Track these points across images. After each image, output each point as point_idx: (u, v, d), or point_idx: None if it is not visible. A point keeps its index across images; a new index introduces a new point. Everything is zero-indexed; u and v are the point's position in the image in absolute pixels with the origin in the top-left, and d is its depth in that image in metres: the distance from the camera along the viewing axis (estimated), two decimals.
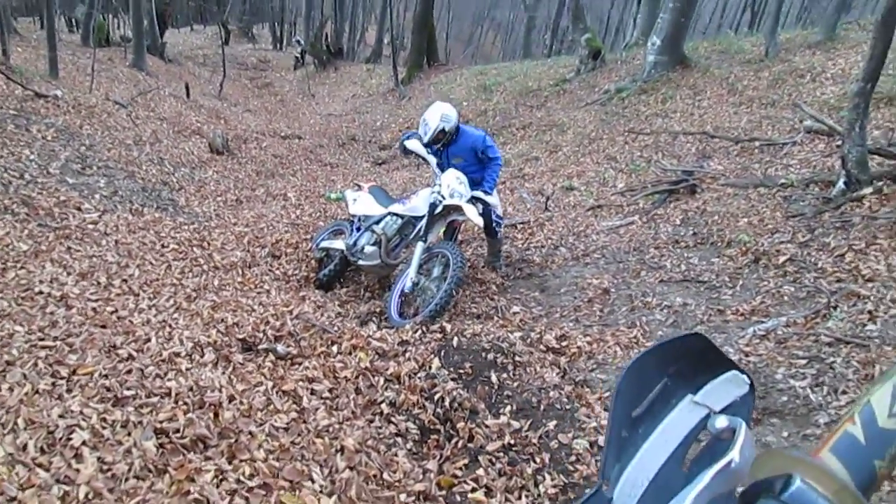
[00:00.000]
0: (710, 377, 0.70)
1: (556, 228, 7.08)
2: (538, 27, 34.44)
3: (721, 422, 0.65)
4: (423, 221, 5.48)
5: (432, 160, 5.84)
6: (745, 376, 0.73)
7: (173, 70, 19.67)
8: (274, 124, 16.68)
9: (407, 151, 5.94)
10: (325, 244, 6.25)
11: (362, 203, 6.11)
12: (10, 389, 2.88)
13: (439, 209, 5.42)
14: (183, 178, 8.75)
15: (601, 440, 3.11)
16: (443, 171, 5.73)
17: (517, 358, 3.98)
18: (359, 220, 6.15)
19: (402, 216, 5.76)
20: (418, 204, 5.67)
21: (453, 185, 5.47)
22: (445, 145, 5.93)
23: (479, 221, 5.45)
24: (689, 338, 0.70)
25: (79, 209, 6.03)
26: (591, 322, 4.77)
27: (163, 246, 5.87)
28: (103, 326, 3.88)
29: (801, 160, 7.21)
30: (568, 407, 3.47)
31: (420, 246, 5.35)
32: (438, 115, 5.84)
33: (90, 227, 5.74)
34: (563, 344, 4.33)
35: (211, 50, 27.90)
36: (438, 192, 5.46)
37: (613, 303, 5.01)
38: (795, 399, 3.45)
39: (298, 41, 29.75)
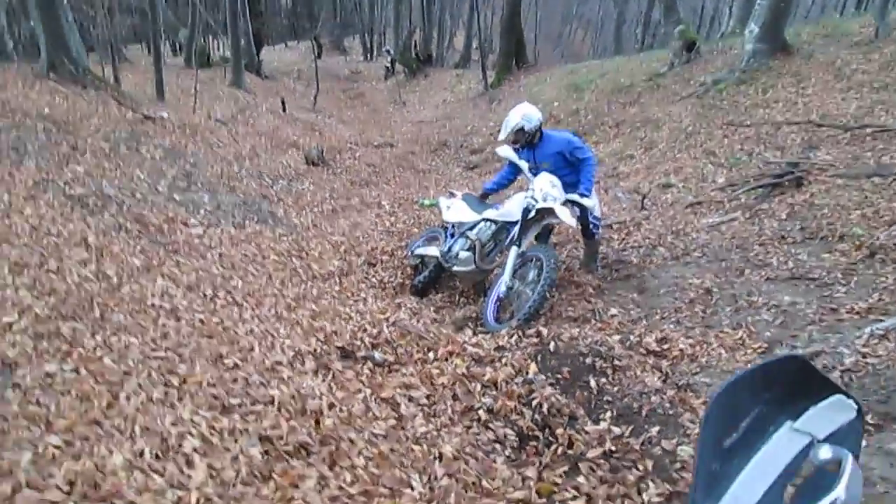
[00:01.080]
0: (812, 402, 0.64)
1: (653, 227, 6.89)
2: (628, 22, 33.75)
3: (825, 452, 0.59)
4: (517, 226, 5.44)
5: (524, 165, 5.81)
6: (851, 401, 0.66)
7: (270, 86, 20.37)
8: (367, 133, 17.02)
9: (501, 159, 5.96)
10: (419, 251, 6.32)
11: (456, 210, 6.14)
12: (128, 398, 3.04)
13: (532, 213, 5.37)
14: (281, 191, 9.03)
15: None
16: (535, 175, 5.69)
17: (616, 362, 3.89)
18: (453, 226, 6.19)
19: (496, 221, 5.75)
20: (512, 209, 5.64)
21: (546, 188, 5.42)
22: (528, 147, 5.88)
23: (573, 223, 5.39)
24: (786, 360, 0.65)
25: (185, 224, 6.31)
26: (693, 324, 4.60)
27: (263, 257, 6.07)
28: (210, 337, 4.04)
29: None
30: (671, 412, 3.36)
31: (514, 251, 5.32)
32: (519, 115, 5.82)
33: (196, 241, 6.00)
34: (664, 347, 4.20)
35: (305, 64, 28.74)
36: (532, 197, 5.42)
37: (716, 303, 4.82)
38: None
39: (388, 51, 30.31)
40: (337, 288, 5.64)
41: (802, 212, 6.01)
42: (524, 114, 5.82)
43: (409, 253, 6.54)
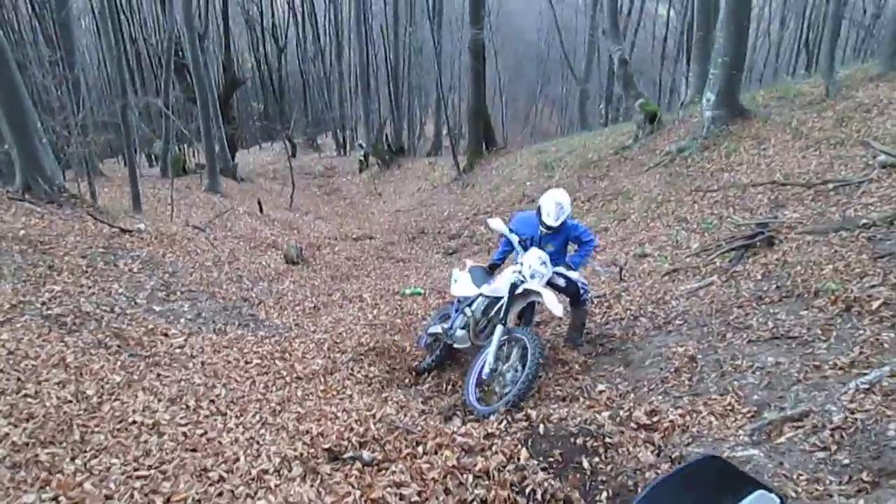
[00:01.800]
0: (736, 501, 0.65)
1: (633, 298, 6.93)
2: (592, 97, 34.71)
3: None
4: (503, 302, 5.48)
5: (514, 238, 5.87)
6: (773, 495, 0.67)
7: (246, 188, 20.61)
8: (345, 227, 17.18)
9: (491, 229, 6.05)
10: (432, 330, 6.34)
11: (461, 284, 6.21)
12: None
13: (519, 290, 5.43)
14: (261, 293, 9.03)
15: None
16: (525, 250, 5.75)
17: (608, 439, 3.85)
18: (458, 301, 6.23)
19: (488, 297, 5.78)
20: (500, 285, 5.70)
21: (535, 265, 5.51)
22: (555, 233, 5.88)
23: (558, 312, 5.37)
24: (704, 462, 0.66)
25: (166, 335, 6.27)
26: (681, 393, 4.57)
27: (246, 362, 6.01)
28: (194, 450, 3.96)
29: (880, 197, 6.91)
30: None
31: (499, 330, 5.33)
32: (569, 202, 5.82)
33: (177, 351, 5.95)
34: (654, 419, 4.16)
35: (279, 164, 29.21)
36: (519, 273, 5.50)
37: (702, 370, 4.81)
38: None
39: (361, 145, 30.94)
40: (322, 387, 5.57)
41: (777, 271, 6.09)
42: (561, 206, 5.73)
43: (425, 334, 6.55)
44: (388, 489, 3.42)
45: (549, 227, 5.73)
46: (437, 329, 6.24)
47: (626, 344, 5.89)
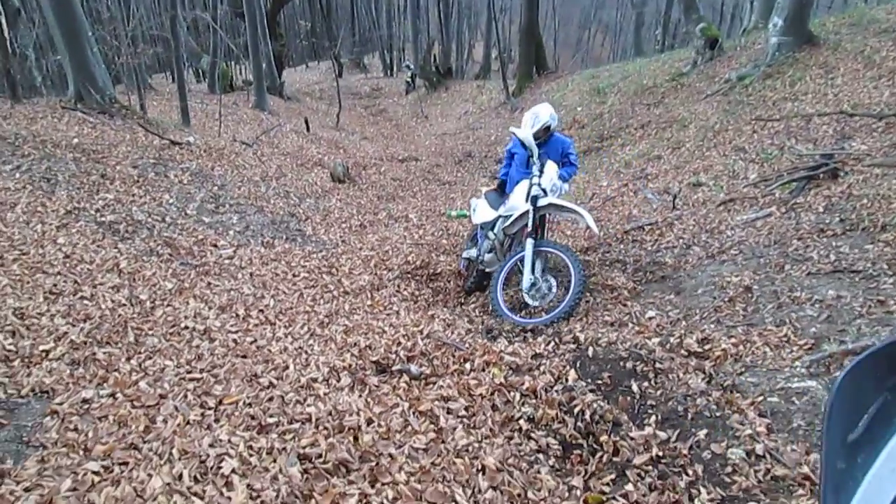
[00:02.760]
0: None
1: (686, 227, 6.75)
2: (647, 23, 33.51)
3: None
4: (529, 217, 5.42)
5: (535, 150, 5.76)
6: None
7: (293, 107, 20.52)
8: (391, 149, 17.06)
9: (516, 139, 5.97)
10: (465, 254, 6.36)
11: (480, 210, 6.20)
12: (165, 421, 3.02)
13: (543, 202, 5.39)
14: (308, 209, 9.05)
15: (758, 448, 2.88)
16: (541, 164, 5.65)
17: (658, 365, 3.78)
18: (480, 228, 6.20)
19: (507, 216, 5.72)
20: (517, 201, 5.66)
21: (555, 178, 5.52)
22: (543, 143, 5.87)
23: (595, 228, 5.37)
24: None
25: (215, 246, 6.34)
26: (735, 322, 4.46)
27: (294, 275, 6.06)
28: (244, 356, 4.02)
29: None
30: (718, 414, 3.24)
31: (530, 244, 5.29)
32: (547, 113, 5.87)
33: (227, 262, 6.02)
34: (706, 347, 4.07)
35: (326, 84, 28.98)
36: (538, 185, 5.44)
37: (757, 300, 4.67)
38: None
39: (408, 66, 30.44)
40: (369, 302, 5.60)
41: (841, 203, 5.84)
42: (551, 113, 5.88)
43: (461, 258, 6.57)
44: (436, 402, 3.43)
45: (535, 136, 5.73)
46: (470, 254, 6.28)
47: (677, 272, 5.75)
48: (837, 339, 3.82)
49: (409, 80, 28.93)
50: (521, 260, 5.36)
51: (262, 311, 4.97)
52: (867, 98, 8.39)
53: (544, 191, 5.43)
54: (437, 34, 32.03)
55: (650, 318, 4.83)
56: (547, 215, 5.72)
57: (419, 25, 32.87)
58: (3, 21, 10.61)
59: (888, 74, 8.80)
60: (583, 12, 52.31)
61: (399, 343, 4.29)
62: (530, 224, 5.38)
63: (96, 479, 2.52)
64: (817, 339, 3.90)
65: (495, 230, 5.91)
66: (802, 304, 4.38)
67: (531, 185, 5.49)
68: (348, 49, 40.79)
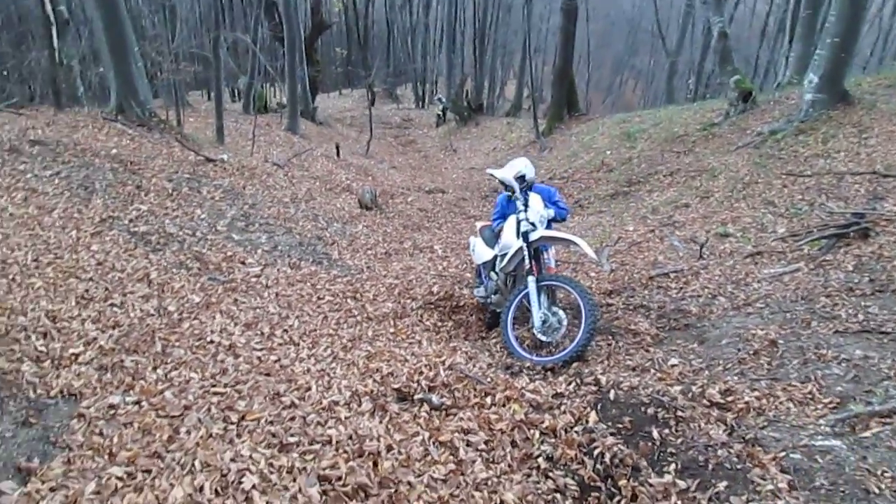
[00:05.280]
0: None
1: (712, 277, 6.72)
2: (680, 72, 33.68)
3: None
4: (525, 253, 5.41)
5: (516, 186, 5.78)
6: None
7: (324, 132, 20.81)
8: (418, 179, 17.19)
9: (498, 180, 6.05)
10: (476, 293, 6.39)
11: (479, 250, 6.28)
12: (188, 432, 3.05)
13: (535, 237, 5.40)
14: (335, 233, 9.13)
15: None
16: (525, 204, 5.67)
17: (679, 413, 3.75)
18: (483, 267, 6.23)
19: (504, 255, 5.76)
20: (508, 239, 5.69)
21: (541, 210, 5.61)
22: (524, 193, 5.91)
23: (594, 255, 5.46)
24: None
25: (243, 263, 6.42)
26: (759, 376, 4.42)
27: (319, 298, 6.11)
28: (268, 374, 4.05)
29: None
30: (739, 467, 3.21)
31: (532, 281, 5.29)
32: (523, 164, 6.03)
33: (253, 279, 6.09)
34: (729, 399, 4.03)
35: (358, 111, 29.39)
36: (526, 219, 5.47)
37: (782, 355, 4.63)
38: None
39: (440, 99, 30.79)
40: (392, 330, 5.62)
41: (871, 263, 5.80)
42: (527, 164, 6.04)
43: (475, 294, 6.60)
44: (456, 434, 3.43)
45: (522, 179, 5.84)
46: (479, 293, 6.30)
47: (702, 321, 5.72)
48: (864, 400, 3.78)
49: (440, 112, 29.23)
50: (527, 297, 5.35)
51: (286, 330, 5.01)
52: None
53: (533, 224, 5.46)
54: (471, 70, 32.42)
55: (673, 366, 4.80)
56: (543, 249, 5.73)
57: (454, 60, 33.30)
58: (53, 31, 10.92)
59: None
60: (616, 57, 52.76)
61: (421, 372, 4.29)
62: (527, 260, 5.38)
63: (120, 484, 2.56)
64: (843, 399, 3.85)
65: (496, 269, 5.93)
66: (829, 362, 4.34)
67: (519, 222, 5.51)
68: (382, 79, 41.33)
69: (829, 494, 2.92)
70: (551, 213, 5.77)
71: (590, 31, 35.21)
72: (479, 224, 6.74)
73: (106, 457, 2.75)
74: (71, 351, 3.69)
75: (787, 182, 8.97)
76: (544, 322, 5.22)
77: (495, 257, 5.97)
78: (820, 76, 10.76)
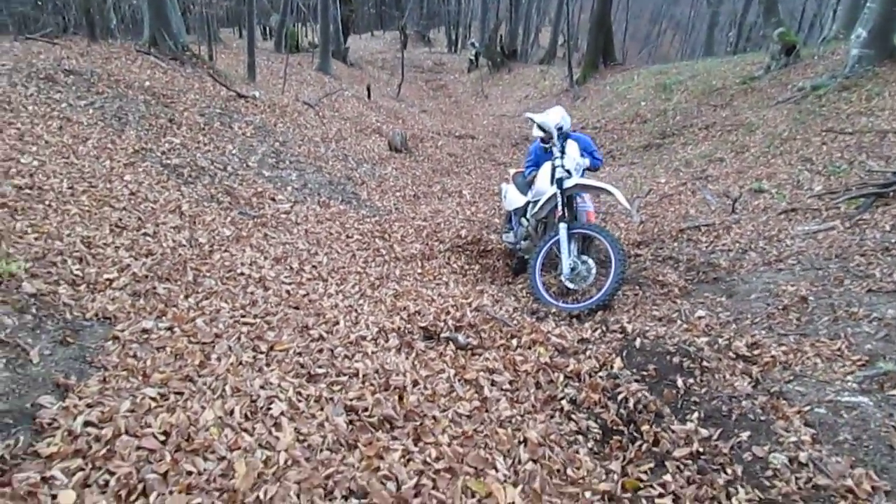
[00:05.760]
0: None
1: (744, 232, 6.63)
2: (721, 24, 32.73)
3: None
4: (559, 201, 5.37)
5: (554, 132, 5.71)
6: None
7: (355, 73, 20.63)
8: (448, 124, 17.05)
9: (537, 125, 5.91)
10: (504, 239, 6.39)
11: (511, 195, 6.24)
12: (219, 359, 3.11)
13: (569, 184, 5.35)
14: (365, 174, 9.12)
15: (801, 457, 2.85)
16: (562, 150, 5.62)
17: (704, 363, 3.74)
18: (514, 213, 6.20)
19: (536, 201, 5.72)
20: (542, 185, 5.65)
21: (577, 157, 5.58)
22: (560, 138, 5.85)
23: (628, 204, 5.49)
24: None
25: (273, 200, 6.45)
26: (787, 331, 4.38)
27: (348, 236, 6.14)
28: (296, 308, 4.10)
29: None
30: (763, 418, 3.21)
31: (563, 228, 5.26)
32: (559, 115, 5.86)
33: (283, 216, 6.12)
34: (755, 352, 4.02)
35: (390, 54, 29.06)
36: (562, 166, 5.42)
37: (812, 312, 4.58)
38: None
39: (473, 44, 30.32)
40: (419, 270, 5.65)
41: None
42: (564, 115, 5.89)
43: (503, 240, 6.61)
44: (482, 373, 3.46)
45: (560, 130, 5.73)
46: (508, 238, 6.30)
47: (731, 275, 5.67)
48: (893, 359, 3.74)
49: (472, 58, 28.82)
50: (557, 244, 5.34)
51: (315, 266, 5.06)
52: None
53: (568, 171, 5.41)
54: (506, 14, 31.78)
55: (699, 318, 4.78)
56: (576, 196, 5.67)
57: (488, 4, 32.66)
58: None
59: None
60: (655, 7, 51.30)
61: (448, 312, 4.32)
62: (560, 207, 5.34)
63: (153, 404, 2.62)
64: (872, 356, 3.82)
65: (527, 216, 5.90)
66: (860, 321, 4.29)
67: (554, 168, 5.47)
68: (415, 21, 40.75)
69: (853, 449, 2.91)
70: (587, 162, 5.72)
71: None
72: (511, 171, 6.68)
73: (140, 378, 2.82)
74: (105, 276, 3.75)
75: (827, 139, 8.75)
76: (573, 269, 5.20)
77: (527, 203, 5.94)
78: (869, 30, 10.40)
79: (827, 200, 6.83)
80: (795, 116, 10.03)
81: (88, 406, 2.53)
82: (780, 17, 14.18)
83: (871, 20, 10.33)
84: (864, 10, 10.67)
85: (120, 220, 4.60)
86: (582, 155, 5.70)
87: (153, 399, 2.64)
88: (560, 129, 5.75)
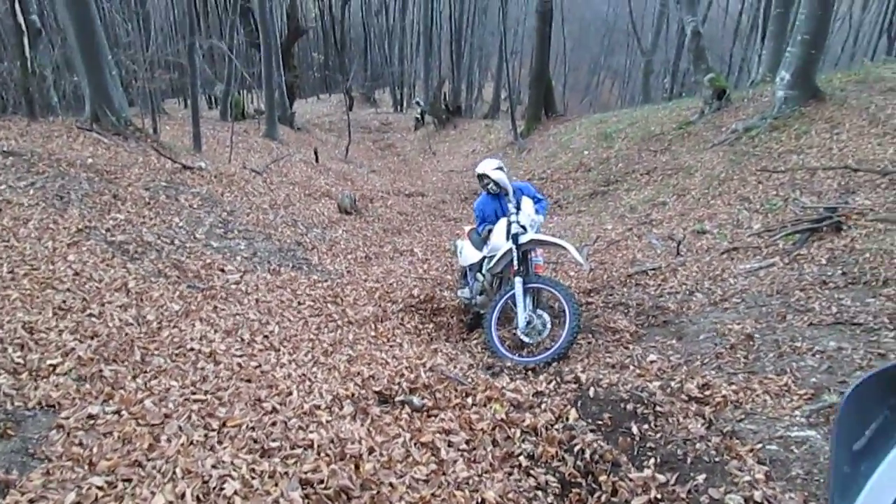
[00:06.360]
0: None
1: (689, 273, 6.81)
2: (656, 72, 33.95)
3: None
4: (513, 255, 5.51)
5: (510, 187, 5.90)
6: None
7: (302, 137, 20.74)
8: (398, 183, 17.20)
9: (484, 178, 6.14)
10: (459, 294, 6.43)
11: (466, 252, 6.33)
12: (169, 440, 3.04)
13: (524, 239, 5.48)
14: (315, 238, 9.12)
15: (756, 496, 2.89)
16: (517, 207, 5.79)
17: (658, 408, 3.80)
18: (469, 269, 6.28)
19: (492, 256, 5.83)
20: (498, 241, 5.76)
21: (532, 214, 5.69)
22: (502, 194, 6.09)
23: (582, 259, 5.64)
24: None
25: (222, 270, 6.39)
26: (736, 369, 4.49)
27: (299, 303, 6.11)
28: (248, 381, 4.05)
29: None
30: (717, 460, 3.26)
31: (519, 282, 5.39)
32: (495, 165, 6.13)
33: (233, 286, 6.07)
34: (707, 393, 4.10)
35: (336, 116, 29.34)
36: (517, 222, 5.56)
37: (758, 349, 4.71)
38: None
39: (418, 102, 30.83)
40: (373, 333, 5.64)
41: (843, 257, 5.91)
42: (500, 166, 6.15)
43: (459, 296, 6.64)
44: (438, 435, 3.45)
45: (493, 188, 6.04)
46: (464, 293, 6.36)
47: (680, 317, 5.79)
48: (837, 391, 3.85)
49: (418, 116, 29.26)
50: (513, 298, 5.42)
51: (266, 336, 5.01)
52: (871, 154, 8.49)
53: (523, 227, 5.54)
54: (448, 73, 32.47)
55: (651, 362, 4.86)
56: (530, 251, 5.78)
57: (431, 63, 33.33)
58: (25, 41, 10.81)
59: (893, 132, 8.91)
60: (593, 58, 53.08)
61: (402, 375, 4.32)
62: (515, 262, 5.48)
63: (100, 493, 2.54)
64: (817, 390, 3.92)
65: (483, 271, 5.99)
66: (803, 354, 4.41)
67: (510, 224, 5.60)
68: (360, 83, 41.32)
69: (805, 483, 2.97)
70: (541, 218, 5.85)
71: (566, 32, 35.45)
72: (466, 227, 6.78)
73: (86, 467, 2.74)
74: (49, 362, 3.66)
75: (762, 178, 9.09)
76: (529, 323, 5.28)
77: (483, 259, 6.01)
78: (791, 73, 10.91)
79: (766, 238, 7.07)
80: (731, 158, 10.40)
81: (31, 502, 2.44)
82: (708, 63, 14.80)
83: (793, 63, 10.84)
84: (786, 55, 11.21)
85: (63, 302, 4.50)
86: (537, 211, 5.82)
87: (100, 488, 2.57)
88: (501, 168, 6.05)
